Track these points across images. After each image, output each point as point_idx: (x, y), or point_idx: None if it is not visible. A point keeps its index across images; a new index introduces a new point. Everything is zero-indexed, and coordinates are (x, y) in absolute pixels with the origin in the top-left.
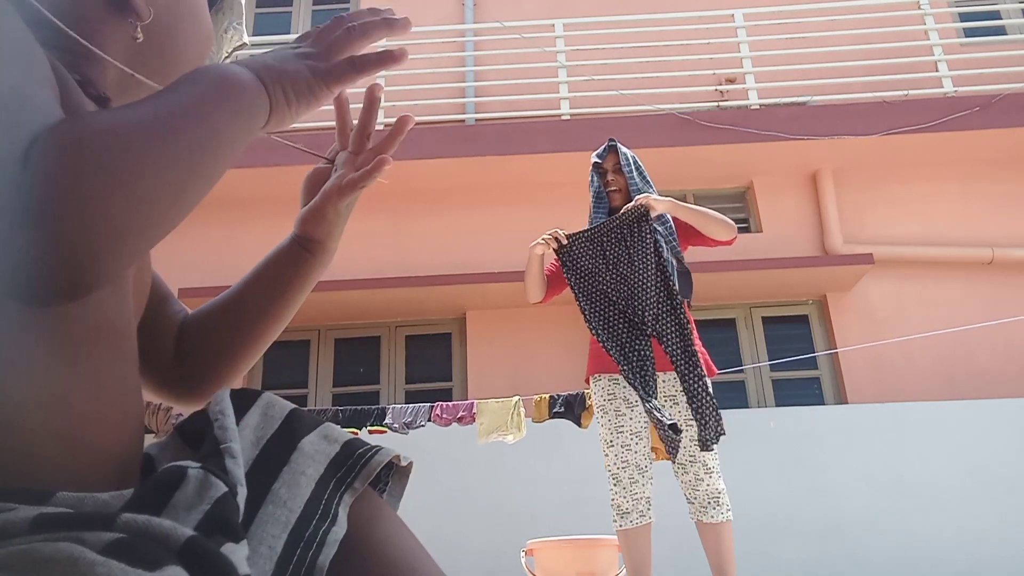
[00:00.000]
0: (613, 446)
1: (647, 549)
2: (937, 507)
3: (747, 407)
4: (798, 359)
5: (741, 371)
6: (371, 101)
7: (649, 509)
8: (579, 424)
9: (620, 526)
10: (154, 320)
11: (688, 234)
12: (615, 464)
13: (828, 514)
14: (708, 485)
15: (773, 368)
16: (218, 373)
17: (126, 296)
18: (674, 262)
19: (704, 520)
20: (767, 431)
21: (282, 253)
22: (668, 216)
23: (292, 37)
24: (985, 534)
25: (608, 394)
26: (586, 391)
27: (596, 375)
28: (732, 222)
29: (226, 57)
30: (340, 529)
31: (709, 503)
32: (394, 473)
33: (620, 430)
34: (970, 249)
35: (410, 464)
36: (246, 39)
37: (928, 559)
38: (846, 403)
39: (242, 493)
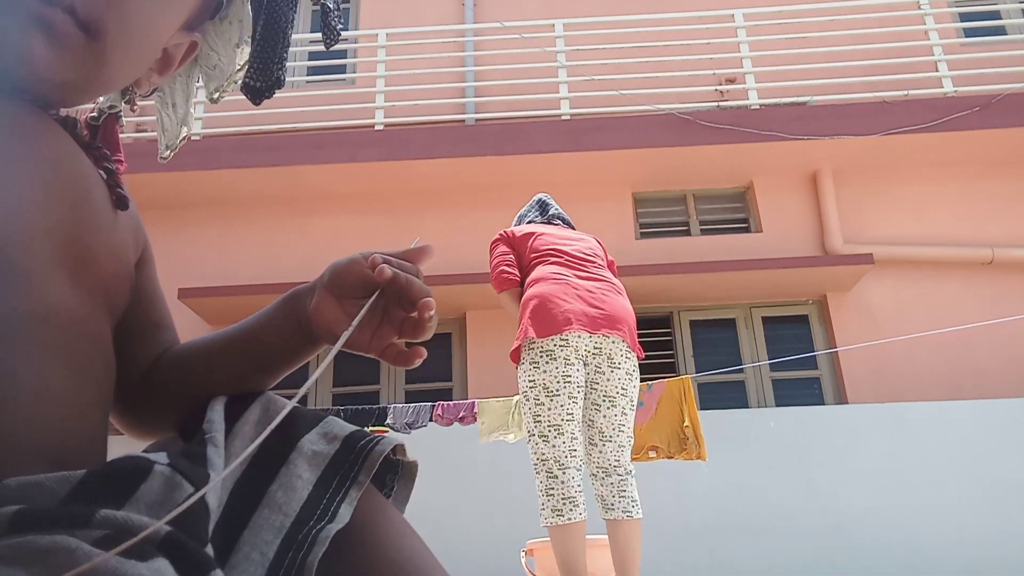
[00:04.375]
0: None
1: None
2: (937, 507)
3: (747, 407)
4: (798, 358)
5: (741, 371)
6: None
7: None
8: None
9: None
10: (132, 338)
11: None
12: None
13: (828, 514)
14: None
15: (773, 368)
16: (169, 420)
17: (41, 279)
18: None
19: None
20: (767, 431)
21: (283, 332)
22: None
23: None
24: (985, 534)
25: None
26: None
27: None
28: None
29: (239, 70)
30: (335, 526)
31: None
32: (400, 476)
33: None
34: (970, 249)
35: (415, 465)
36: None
37: (928, 559)
38: (846, 403)
39: (213, 479)
